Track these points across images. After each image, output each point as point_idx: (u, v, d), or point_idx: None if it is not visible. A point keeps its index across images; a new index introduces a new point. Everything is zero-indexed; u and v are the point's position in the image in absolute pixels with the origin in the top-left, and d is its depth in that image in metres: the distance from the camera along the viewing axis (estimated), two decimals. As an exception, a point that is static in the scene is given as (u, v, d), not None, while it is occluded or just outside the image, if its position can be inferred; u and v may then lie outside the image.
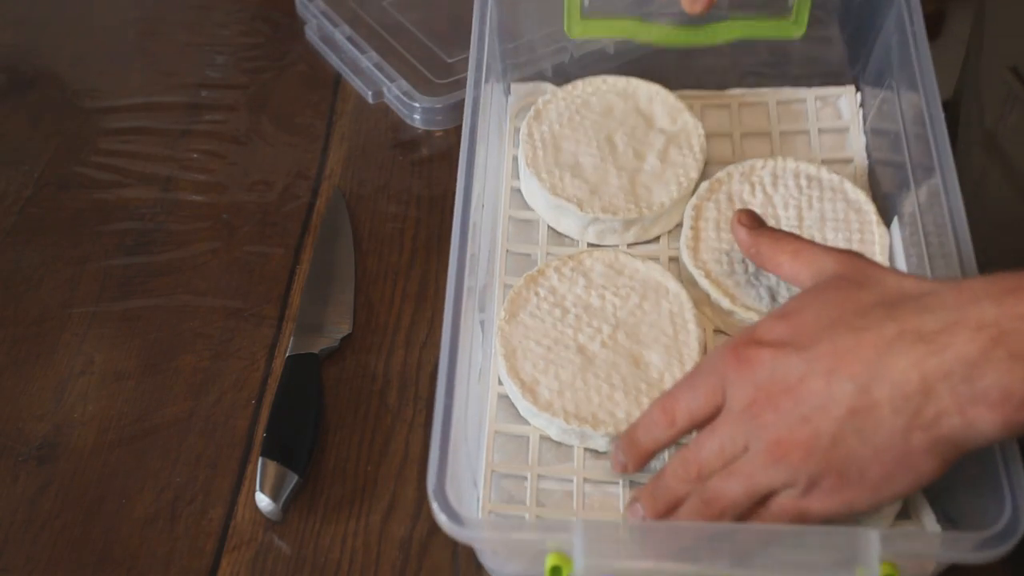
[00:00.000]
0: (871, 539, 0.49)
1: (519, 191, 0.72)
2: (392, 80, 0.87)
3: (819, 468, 0.51)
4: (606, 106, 0.72)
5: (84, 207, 0.83)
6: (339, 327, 0.73)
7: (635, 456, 0.59)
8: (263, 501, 0.62)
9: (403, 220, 0.81)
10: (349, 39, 0.91)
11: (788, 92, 0.76)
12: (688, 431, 0.57)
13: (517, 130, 0.74)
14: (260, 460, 0.63)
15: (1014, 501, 0.50)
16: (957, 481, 0.55)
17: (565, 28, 0.71)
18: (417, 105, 0.85)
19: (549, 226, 0.70)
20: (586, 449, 0.62)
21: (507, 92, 0.76)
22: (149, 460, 0.67)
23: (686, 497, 0.55)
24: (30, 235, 0.81)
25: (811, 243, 0.60)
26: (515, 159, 0.73)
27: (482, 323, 0.65)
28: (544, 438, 0.63)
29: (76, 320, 0.75)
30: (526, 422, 0.63)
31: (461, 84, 0.76)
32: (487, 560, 0.58)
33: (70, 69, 0.96)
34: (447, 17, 0.90)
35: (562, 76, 0.76)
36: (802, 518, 0.53)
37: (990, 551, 0.49)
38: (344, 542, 0.62)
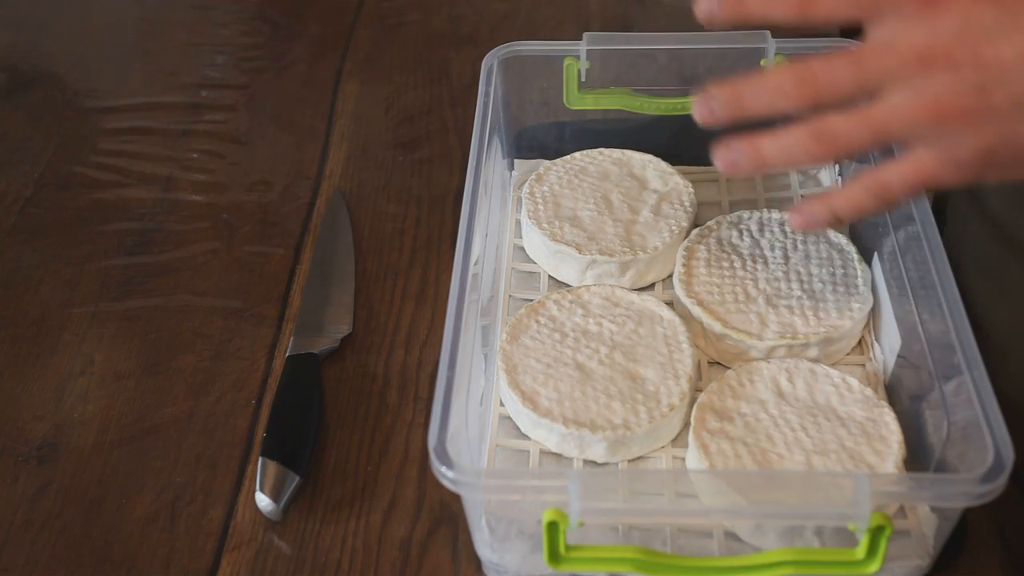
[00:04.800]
0: (862, 483, 0.49)
1: (522, 248, 0.75)
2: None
3: (972, 144, 0.49)
4: (602, 171, 0.77)
5: (84, 207, 0.83)
6: (339, 327, 0.73)
7: (729, 97, 0.54)
8: (263, 501, 0.62)
9: (403, 220, 0.81)
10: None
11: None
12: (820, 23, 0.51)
13: (519, 200, 0.77)
14: (260, 460, 0.63)
15: (995, 444, 0.51)
16: (940, 439, 0.55)
17: (564, 100, 0.76)
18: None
19: (550, 275, 0.73)
20: (585, 461, 0.63)
21: (511, 168, 0.80)
22: (149, 460, 0.67)
23: (775, 112, 0.52)
24: (30, 235, 0.81)
25: None
26: (518, 222, 0.76)
27: (485, 355, 0.66)
28: (544, 452, 0.63)
29: (76, 320, 0.75)
30: (527, 438, 0.64)
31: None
32: (485, 552, 0.58)
33: (70, 69, 0.96)
34: None
35: (561, 155, 0.80)
36: (916, 183, 0.51)
37: (978, 488, 0.50)
38: (344, 542, 0.62)
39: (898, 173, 0.52)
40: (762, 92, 0.53)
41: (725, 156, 0.55)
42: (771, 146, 0.53)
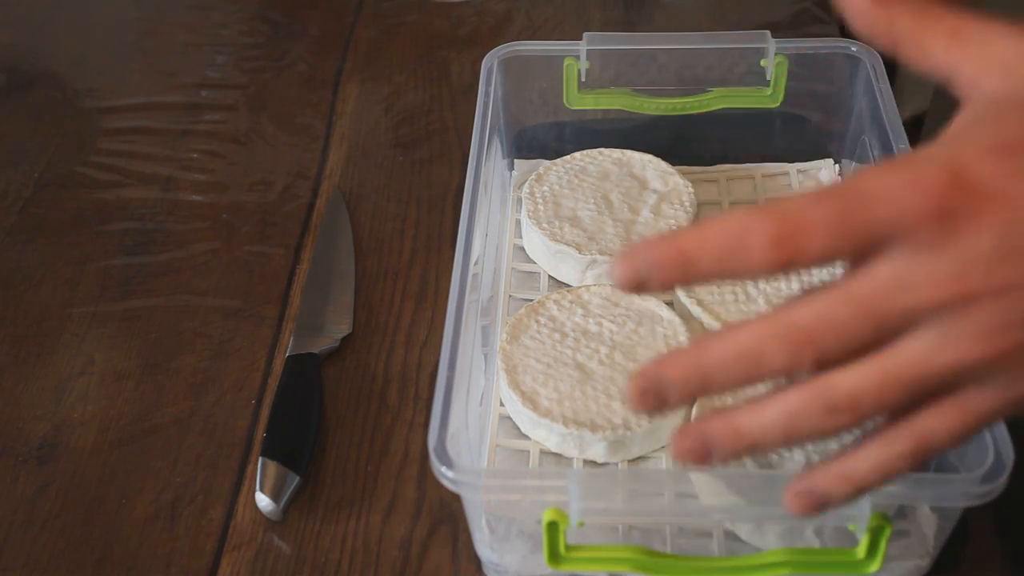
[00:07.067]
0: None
1: (522, 248, 0.75)
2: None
3: None
4: (602, 171, 0.77)
5: (84, 207, 0.83)
6: (339, 327, 0.73)
7: (659, 265, 0.39)
8: (263, 501, 0.62)
9: (403, 220, 0.81)
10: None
11: (772, 167, 0.80)
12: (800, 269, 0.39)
13: (519, 200, 0.77)
14: (260, 460, 0.63)
15: (995, 444, 0.51)
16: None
17: (564, 100, 0.76)
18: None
19: (550, 275, 0.73)
20: (585, 461, 0.63)
21: (511, 168, 0.80)
22: (149, 460, 0.67)
23: (752, 383, 0.39)
24: (30, 235, 0.81)
25: (975, 17, 0.41)
26: (518, 222, 0.76)
27: (485, 355, 0.66)
28: (544, 452, 0.63)
29: (76, 320, 0.75)
30: (527, 438, 0.64)
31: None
32: (485, 552, 0.58)
33: (70, 69, 0.96)
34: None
35: (561, 155, 0.79)
36: (968, 434, 0.41)
37: (978, 488, 0.49)
38: (344, 542, 0.62)
39: (944, 425, 0.41)
40: (733, 361, 0.39)
41: (683, 446, 0.41)
42: (759, 422, 0.41)
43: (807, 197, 0.38)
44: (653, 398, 0.40)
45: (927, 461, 0.43)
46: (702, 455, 0.41)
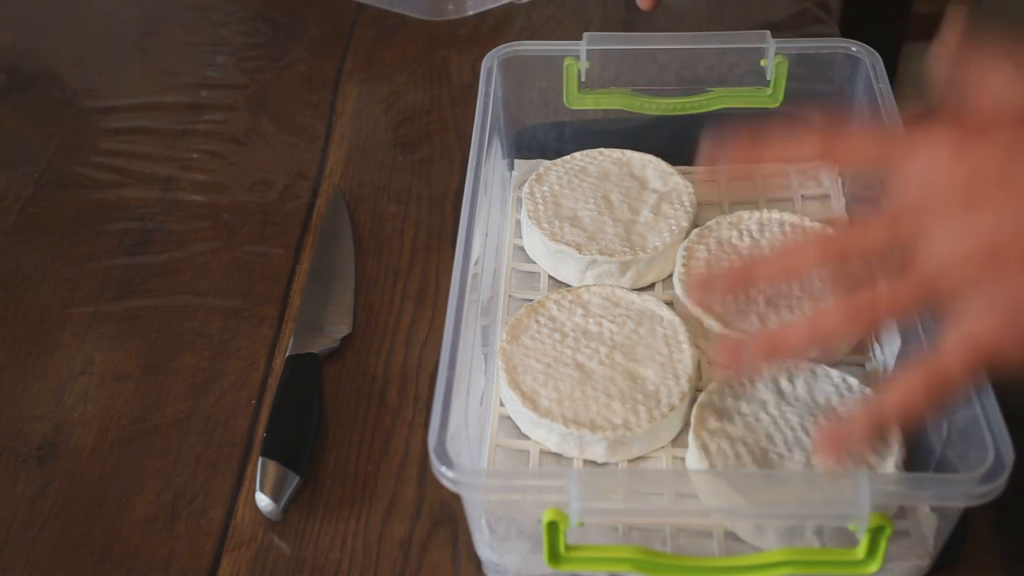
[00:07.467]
0: (861, 484, 0.49)
1: (522, 248, 0.75)
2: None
3: None
4: (602, 171, 0.77)
5: (84, 207, 0.83)
6: (339, 327, 0.73)
7: (755, 352, 0.47)
8: (263, 501, 0.62)
9: (403, 220, 0.81)
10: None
11: (772, 167, 0.80)
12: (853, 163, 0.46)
13: (519, 200, 0.77)
14: (260, 460, 0.63)
15: (995, 444, 0.51)
16: (940, 439, 0.55)
17: (564, 100, 0.76)
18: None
19: (550, 275, 0.73)
20: (585, 461, 0.63)
21: (511, 168, 0.80)
22: (149, 460, 0.67)
23: (791, 276, 0.47)
24: (30, 235, 0.81)
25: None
26: (518, 222, 0.76)
27: (485, 355, 0.66)
28: (544, 452, 0.63)
29: (76, 320, 0.75)
30: (527, 438, 0.64)
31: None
32: (485, 552, 0.58)
33: (70, 69, 0.96)
34: None
35: (561, 155, 0.80)
36: (978, 358, 0.43)
37: (978, 488, 0.50)
38: (344, 542, 0.62)
39: (955, 351, 0.44)
40: (779, 257, 0.47)
41: (732, 355, 0.48)
42: (793, 335, 0.46)
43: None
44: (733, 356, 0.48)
45: (946, 398, 0.45)
46: (735, 354, 0.48)
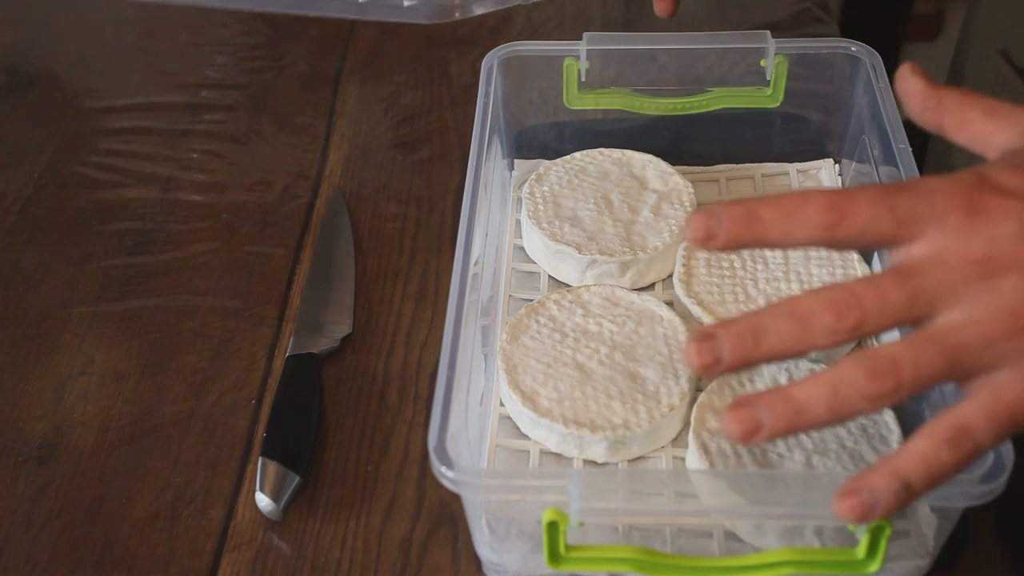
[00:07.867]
0: None
1: (522, 248, 0.75)
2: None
3: None
4: (602, 171, 0.77)
5: (84, 207, 0.83)
6: (339, 327, 0.73)
7: (731, 219, 0.44)
8: (263, 501, 0.62)
9: (403, 220, 0.81)
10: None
11: (772, 167, 0.81)
12: (846, 243, 0.45)
13: (519, 200, 0.77)
14: (260, 460, 0.63)
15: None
16: None
17: (564, 100, 0.76)
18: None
19: (550, 275, 0.73)
20: (585, 461, 0.63)
21: (511, 168, 0.80)
22: (149, 460, 0.67)
23: (804, 351, 0.43)
24: (30, 235, 0.81)
25: (1008, 102, 0.49)
26: (518, 222, 0.76)
27: (485, 355, 0.66)
28: (544, 452, 0.63)
29: (76, 320, 0.75)
30: (527, 438, 0.64)
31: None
32: (485, 552, 0.58)
33: (70, 69, 0.96)
34: None
35: (561, 155, 0.79)
36: (1004, 420, 0.44)
37: (978, 488, 0.50)
38: (344, 542, 0.62)
39: (979, 410, 0.44)
40: (785, 318, 0.44)
41: (744, 420, 0.44)
42: (807, 390, 0.44)
43: (857, 186, 0.45)
44: (709, 353, 0.44)
45: (972, 458, 0.44)
46: (753, 426, 0.44)
